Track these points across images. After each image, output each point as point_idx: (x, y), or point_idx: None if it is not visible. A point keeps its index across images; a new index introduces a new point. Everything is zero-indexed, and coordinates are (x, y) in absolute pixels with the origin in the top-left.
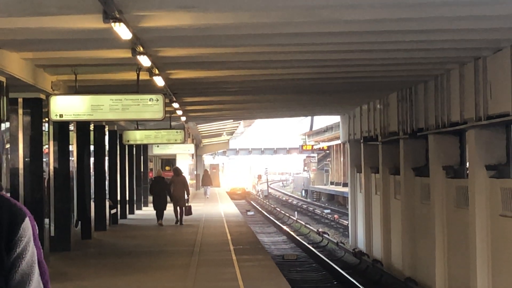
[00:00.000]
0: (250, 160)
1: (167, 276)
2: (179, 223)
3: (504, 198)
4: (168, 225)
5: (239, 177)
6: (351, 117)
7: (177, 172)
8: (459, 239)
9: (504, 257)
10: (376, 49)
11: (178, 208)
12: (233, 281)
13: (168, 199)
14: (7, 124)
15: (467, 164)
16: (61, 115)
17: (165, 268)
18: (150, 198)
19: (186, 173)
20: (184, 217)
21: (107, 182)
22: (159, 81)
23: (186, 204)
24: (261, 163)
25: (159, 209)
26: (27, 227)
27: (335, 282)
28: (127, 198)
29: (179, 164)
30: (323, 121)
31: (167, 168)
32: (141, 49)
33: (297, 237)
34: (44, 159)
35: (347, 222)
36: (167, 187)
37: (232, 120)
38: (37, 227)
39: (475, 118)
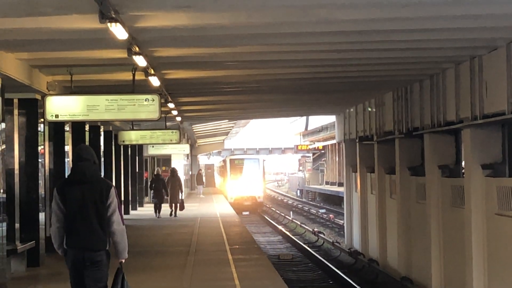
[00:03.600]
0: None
1: (164, 276)
2: (173, 215)
3: (500, 197)
4: (165, 220)
5: (247, 181)
6: (346, 117)
7: (173, 173)
8: (455, 238)
9: (500, 256)
10: (371, 49)
11: (173, 204)
12: (230, 281)
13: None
14: (3, 125)
15: (463, 163)
16: (56, 116)
17: (161, 268)
18: (146, 199)
19: (181, 174)
20: (179, 212)
21: None
22: (155, 81)
23: (180, 198)
24: None
25: (158, 202)
26: (113, 191)
27: (331, 282)
28: (123, 199)
29: (174, 164)
30: (318, 120)
31: (163, 168)
32: (137, 49)
33: (293, 237)
34: (39, 160)
35: (342, 222)
36: (164, 184)
37: (227, 120)
38: (116, 190)
39: (470, 117)
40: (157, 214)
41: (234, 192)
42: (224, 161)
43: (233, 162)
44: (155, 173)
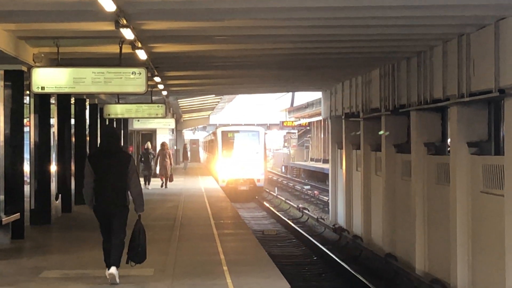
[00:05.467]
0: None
1: (148, 250)
2: (164, 187)
3: (485, 175)
4: (152, 193)
5: (244, 159)
6: (332, 93)
7: (163, 146)
8: (440, 216)
9: (484, 233)
10: (359, 25)
11: (163, 176)
12: (215, 255)
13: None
14: None
15: (449, 141)
16: (43, 88)
17: (147, 242)
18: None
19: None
20: (169, 184)
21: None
22: (142, 55)
23: (169, 173)
24: None
25: (147, 174)
26: (133, 160)
27: (315, 258)
28: None
29: (159, 138)
30: (304, 97)
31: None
32: (125, 21)
33: (277, 213)
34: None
35: (327, 198)
36: (153, 158)
37: (213, 95)
38: (134, 161)
39: (457, 95)
40: (146, 185)
41: (227, 174)
42: (214, 133)
43: (226, 135)
44: (145, 147)
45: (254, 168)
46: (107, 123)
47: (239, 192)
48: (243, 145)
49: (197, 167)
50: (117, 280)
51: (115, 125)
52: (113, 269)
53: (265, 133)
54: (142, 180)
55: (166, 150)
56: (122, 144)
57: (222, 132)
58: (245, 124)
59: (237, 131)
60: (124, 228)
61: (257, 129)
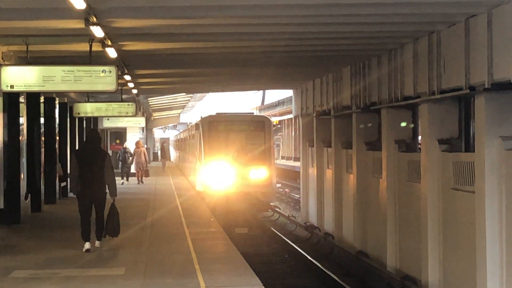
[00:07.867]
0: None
1: (120, 249)
2: (140, 183)
3: (456, 171)
4: (125, 192)
5: (243, 163)
6: (303, 91)
7: (138, 145)
8: (411, 213)
9: (455, 230)
10: (329, 22)
11: (139, 172)
12: (187, 254)
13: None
14: None
15: (419, 138)
16: (12, 86)
17: (119, 241)
18: None
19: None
20: (145, 179)
21: (57, 155)
22: (112, 53)
23: (145, 168)
24: None
25: (125, 171)
26: (108, 157)
27: (287, 256)
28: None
29: (129, 137)
30: (274, 95)
31: (117, 141)
32: (94, 19)
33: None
34: None
35: (298, 196)
36: (130, 155)
37: (184, 94)
38: (110, 157)
39: (428, 92)
40: (126, 180)
41: (216, 184)
42: (197, 126)
43: (215, 127)
44: (123, 146)
45: (258, 176)
46: (77, 121)
47: (234, 212)
48: (242, 142)
49: (169, 165)
50: (99, 245)
51: (84, 124)
52: (97, 242)
53: (274, 126)
54: (121, 176)
55: (141, 148)
56: (101, 144)
57: (209, 123)
58: (242, 113)
59: (233, 121)
60: (103, 210)
61: (262, 118)
